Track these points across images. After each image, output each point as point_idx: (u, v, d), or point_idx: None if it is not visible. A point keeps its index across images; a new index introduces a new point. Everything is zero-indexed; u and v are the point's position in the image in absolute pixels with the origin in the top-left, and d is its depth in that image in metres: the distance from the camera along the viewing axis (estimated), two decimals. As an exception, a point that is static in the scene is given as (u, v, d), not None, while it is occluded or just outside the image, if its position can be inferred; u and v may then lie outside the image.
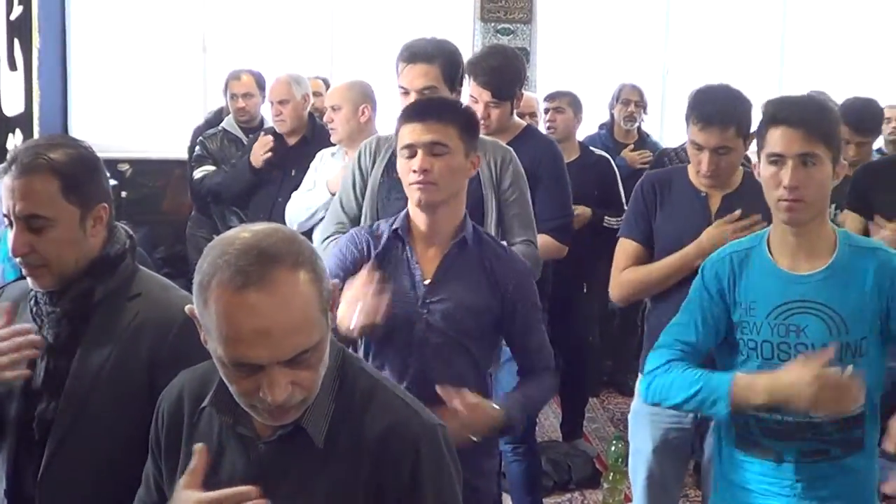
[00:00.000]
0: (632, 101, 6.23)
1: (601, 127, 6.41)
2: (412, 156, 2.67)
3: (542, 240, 3.63)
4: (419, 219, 2.74)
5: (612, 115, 6.35)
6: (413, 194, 2.69)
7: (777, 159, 2.46)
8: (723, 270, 2.60)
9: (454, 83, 3.46)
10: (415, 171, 2.64)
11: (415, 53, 3.36)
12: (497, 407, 2.61)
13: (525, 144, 3.83)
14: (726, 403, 2.42)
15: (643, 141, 6.29)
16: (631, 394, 6.10)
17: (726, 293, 2.58)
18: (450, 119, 2.70)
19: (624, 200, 5.32)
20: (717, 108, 3.16)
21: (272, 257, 1.60)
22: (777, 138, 2.46)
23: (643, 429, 3.35)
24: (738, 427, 2.57)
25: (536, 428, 4.88)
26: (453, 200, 2.73)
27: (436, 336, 2.69)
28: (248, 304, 1.58)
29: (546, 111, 5.55)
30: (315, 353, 1.66)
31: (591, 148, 5.49)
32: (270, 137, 5.05)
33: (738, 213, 3.15)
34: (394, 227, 2.76)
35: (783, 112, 2.49)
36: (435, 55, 3.36)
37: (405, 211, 2.78)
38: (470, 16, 7.19)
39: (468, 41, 7.06)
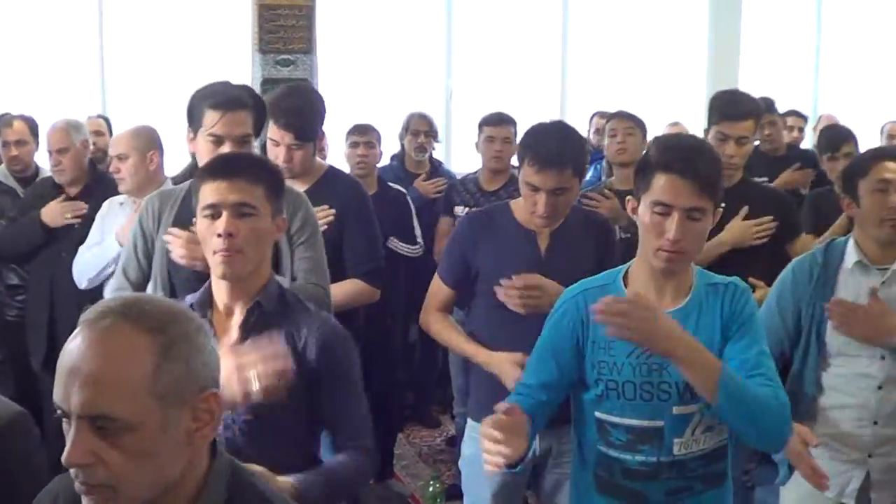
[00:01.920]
0: (421, 131, 6.21)
1: (392, 158, 6.40)
2: (216, 217, 2.47)
3: (355, 285, 3.58)
4: (221, 289, 2.54)
5: (402, 146, 6.34)
6: (217, 267, 2.48)
7: (663, 209, 2.41)
8: (575, 309, 2.56)
9: (260, 130, 3.36)
10: (219, 236, 2.44)
11: (232, 99, 3.14)
12: (289, 480, 2.34)
13: (330, 187, 3.77)
14: None
15: (435, 169, 6.32)
16: (435, 426, 6.25)
17: (579, 332, 2.54)
18: (258, 178, 2.52)
19: (419, 233, 5.37)
20: (553, 150, 3.13)
21: (133, 313, 1.53)
22: (666, 187, 2.41)
23: (478, 476, 3.27)
24: (599, 471, 2.56)
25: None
26: (259, 267, 2.54)
27: (244, 412, 2.46)
28: (76, 340, 1.52)
29: (356, 145, 5.51)
30: (129, 434, 1.51)
31: (389, 183, 5.48)
32: (83, 205, 4.68)
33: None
34: (190, 303, 2.52)
35: (675, 161, 2.44)
36: (247, 101, 3.19)
37: (207, 284, 2.58)
38: (248, 48, 7.05)
39: (247, 74, 6.93)
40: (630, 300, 2.37)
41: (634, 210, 2.51)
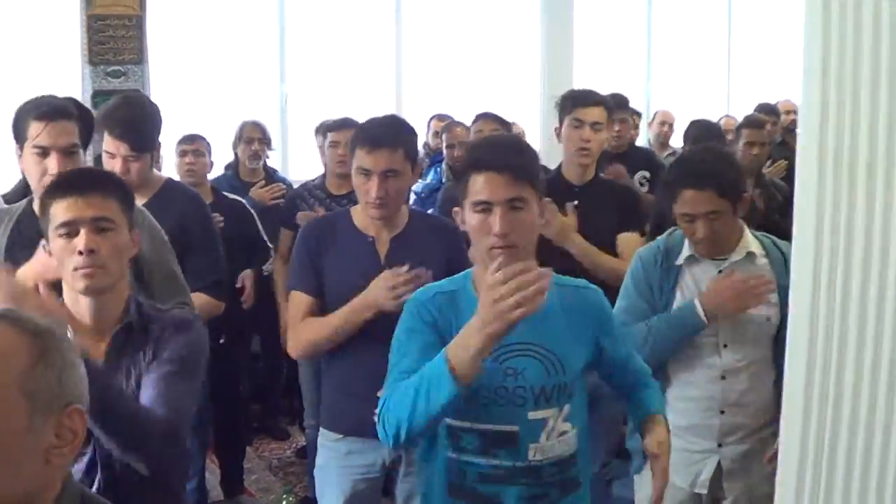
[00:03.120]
0: (254, 138, 6.20)
1: (226, 168, 6.34)
2: (73, 234, 2.44)
3: (198, 298, 3.53)
4: (82, 308, 2.50)
5: (236, 155, 6.30)
6: (77, 282, 2.45)
7: (484, 207, 2.42)
8: (435, 307, 2.51)
9: (88, 142, 3.29)
10: (80, 253, 2.41)
11: (56, 109, 3.06)
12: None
13: (168, 200, 3.74)
14: (450, 378, 2.19)
15: (270, 178, 6.29)
16: (284, 437, 6.23)
17: (441, 328, 2.48)
18: (110, 191, 2.51)
19: (267, 240, 5.35)
20: (384, 132, 3.20)
21: (13, 316, 1.60)
22: (482, 185, 2.42)
23: (331, 484, 3.32)
24: (451, 477, 2.53)
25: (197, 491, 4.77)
26: (119, 283, 2.53)
27: None
28: None
29: (184, 154, 5.46)
30: None
31: (225, 193, 5.43)
32: None
33: (405, 267, 3.11)
34: None
35: (486, 157, 2.46)
36: (72, 111, 3.12)
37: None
38: (77, 59, 6.86)
39: (77, 86, 6.73)
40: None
41: (463, 221, 2.52)
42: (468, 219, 2.48)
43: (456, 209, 2.57)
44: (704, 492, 3.22)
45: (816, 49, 1.67)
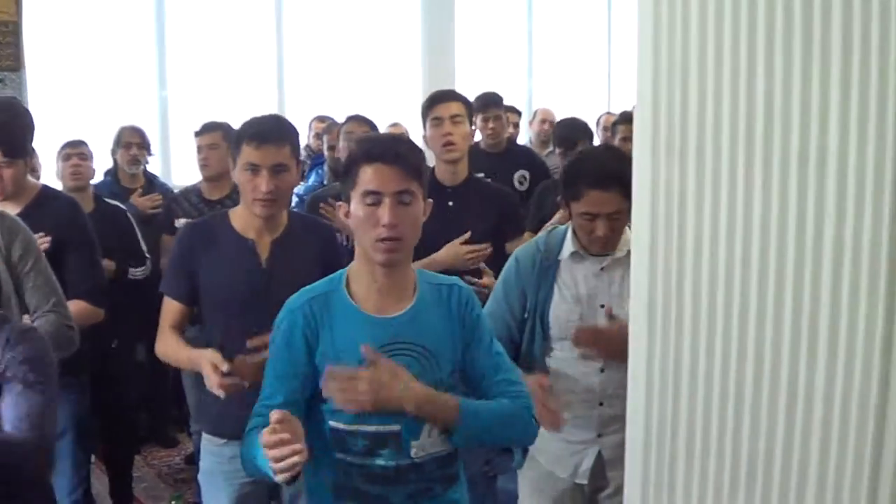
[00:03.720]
0: (133, 143, 6.16)
1: (106, 174, 6.28)
2: None
3: (77, 306, 3.52)
4: None
5: (115, 161, 6.25)
6: None
7: (374, 198, 2.46)
8: (308, 312, 2.55)
9: None
10: None
11: None
12: None
13: (45, 207, 3.72)
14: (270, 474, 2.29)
15: (150, 183, 6.26)
16: (173, 445, 6.20)
17: (312, 343, 2.53)
18: None
19: (144, 248, 5.32)
20: (270, 127, 3.22)
21: None
22: (373, 176, 2.46)
23: (217, 489, 3.33)
24: (338, 478, 2.56)
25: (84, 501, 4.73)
26: None
27: None
28: None
29: (68, 157, 5.40)
30: None
31: (106, 199, 5.38)
32: None
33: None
34: None
35: (377, 149, 2.51)
36: None
37: None
38: (-47, 67, 6.75)
39: (-47, 95, 6.61)
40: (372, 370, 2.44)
41: (347, 214, 2.56)
42: (355, 211, 2.51)
43: (340, 203, 2.60)
44: (585, 482, 3.27)
45: (648, 42, 1.77)
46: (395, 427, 2.51)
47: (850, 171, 1.48)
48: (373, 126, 5.49)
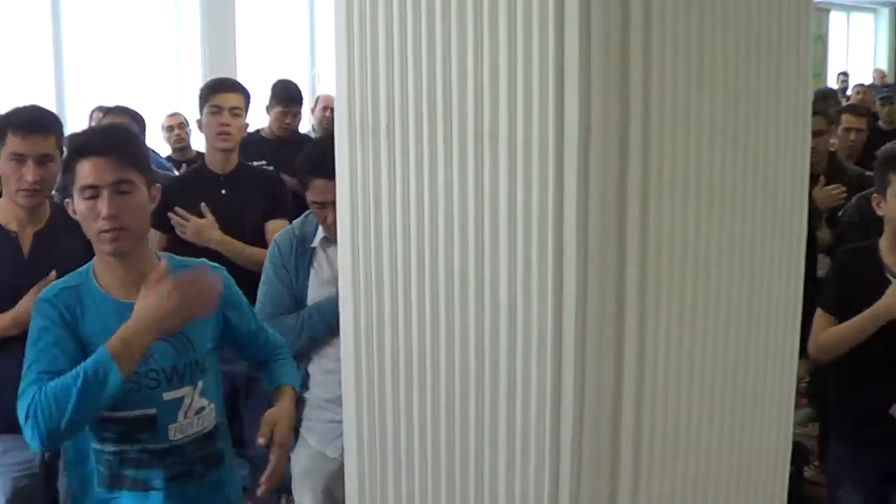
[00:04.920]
0: None
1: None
2: None
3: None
4: None
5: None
6: None
7: (92, 191, 2.46)
8: (62, 303, 2.52)
9: None
10: None
11: None
12: None
13: None
14: (114, 366, 2.30)
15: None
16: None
17: (70, 323, 2.50)
18: None
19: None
20: (35, 116, 3.21)
21: None
22: (89, 170, 2.46)
23: None
24: (100, 466, 2.55)
25: None
26: None
27: None
28: None
29: None
30: None
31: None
32: None
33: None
34: None
35: (90, 143, 2.52)
36: None
37: None
38: None
39: None
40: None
41: (75, 211, 2.54)
42: (77, 206, 2.51)
43: (67, 200, 2.59)
44: None
45: (342, 23, 1.78)
46: (151, 411, 2.52)
47: (518, 148, 1.52)
48: (135, 116, 5.37)
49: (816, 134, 5.24)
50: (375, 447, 1.91)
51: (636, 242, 1.52)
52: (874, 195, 3.75)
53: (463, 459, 1.72)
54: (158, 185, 2.63)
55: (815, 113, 5.42)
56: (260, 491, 2.68)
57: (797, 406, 8.07)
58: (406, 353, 1.77)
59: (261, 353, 2.87)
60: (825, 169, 5.24)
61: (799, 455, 5.56)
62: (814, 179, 4.86)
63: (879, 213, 3.72)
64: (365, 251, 1.84)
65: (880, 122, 9.15)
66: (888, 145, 4.15)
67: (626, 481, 1.61)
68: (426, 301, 1.71)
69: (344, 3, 1.77)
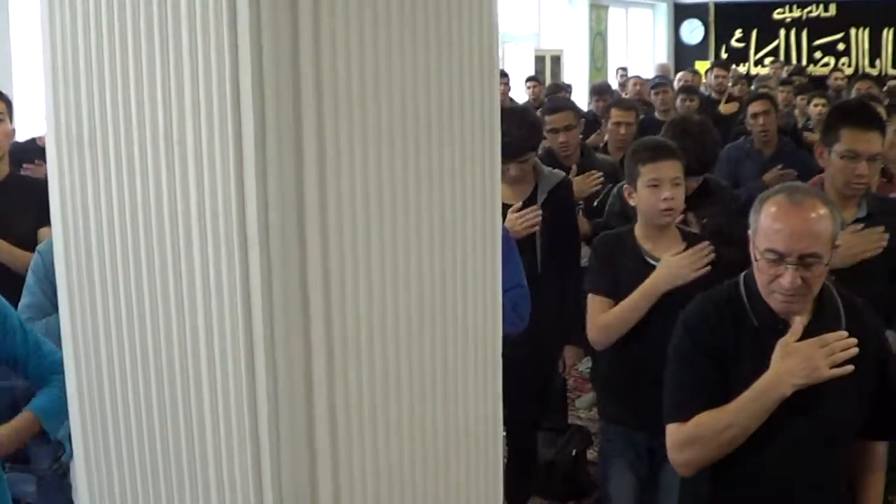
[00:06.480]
0: None
1: None
2: None
3: None
4: None
5: None
6: None
7: None
8: None
9: None
10: None
11: None
12: None
13: None
14: None
15: None
16: None
17: None
18: None
19: None
20: None
21: None
22: None
23: None
24: None
25: None
26: None
27: None
28: None
29: None
30: None
31: None
32: None
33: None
34: None
35: None
36: None
37: None
38: None
39: None
40: None
41: None
42: None
43: None
44: None
45: (46, 31, 1.85)
46: None
47: (204, 154, 1.64)
48: None
49: (567, 128, 5.57)
50: (100, 448, 1.99)
51: (317, 235, 1.66)
52: (626, 186, 3.98)
53: (176, 449, 1.83)
54: None
55: (563, 108, 5.82)
56: None
57: (582, 392, 8.42)
58: (119, 352, 1.87)
59: (32, 376, 2.92)
60: (578, 160, 5.54)
61: (582, 438, 5.86)
62: (567, 170, 5.15)
63: (632, 202, 3.96)
64: (77, 258, 1.92)
65: (656, 113, 9.63)
66: (638, 140, 4.45)
67: (325, 451, 1.74)
68: (133, 301, 1.80)
69: (47, 12, 1.84)
